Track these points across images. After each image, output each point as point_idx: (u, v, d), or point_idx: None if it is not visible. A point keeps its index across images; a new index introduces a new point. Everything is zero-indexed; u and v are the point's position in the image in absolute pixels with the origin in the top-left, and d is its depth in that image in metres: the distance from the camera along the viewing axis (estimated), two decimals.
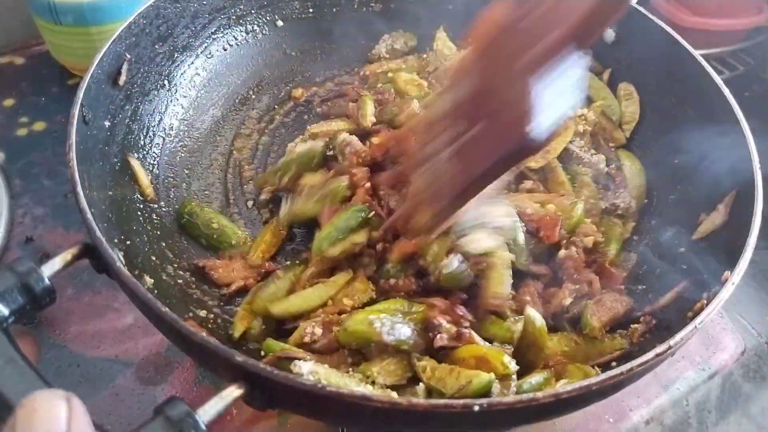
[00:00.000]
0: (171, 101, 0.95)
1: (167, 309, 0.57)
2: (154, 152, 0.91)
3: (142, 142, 0.89)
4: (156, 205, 0.86)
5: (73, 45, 1.13)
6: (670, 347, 0.57)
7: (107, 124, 0.81)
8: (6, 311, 0.57)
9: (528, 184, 0.90)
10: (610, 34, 0.98)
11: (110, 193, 0.78)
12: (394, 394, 0.62)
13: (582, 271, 0.79)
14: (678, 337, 0.58)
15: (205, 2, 0.97)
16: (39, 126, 1.13)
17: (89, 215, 0.64)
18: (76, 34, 1.10)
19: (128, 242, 0.76)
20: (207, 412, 0.50)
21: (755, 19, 1.54)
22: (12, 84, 1.21)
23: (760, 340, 1.31)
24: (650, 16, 0.92)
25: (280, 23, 1.08)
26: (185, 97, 0.97)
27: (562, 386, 0.54)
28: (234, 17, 1.03)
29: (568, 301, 0.78)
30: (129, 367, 0.82)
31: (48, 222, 0.98)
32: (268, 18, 1.07)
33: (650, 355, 0.56)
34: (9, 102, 1.17)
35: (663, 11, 1.52)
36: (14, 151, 1.09)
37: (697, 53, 0.87)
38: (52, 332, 0.84)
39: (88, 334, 0.85)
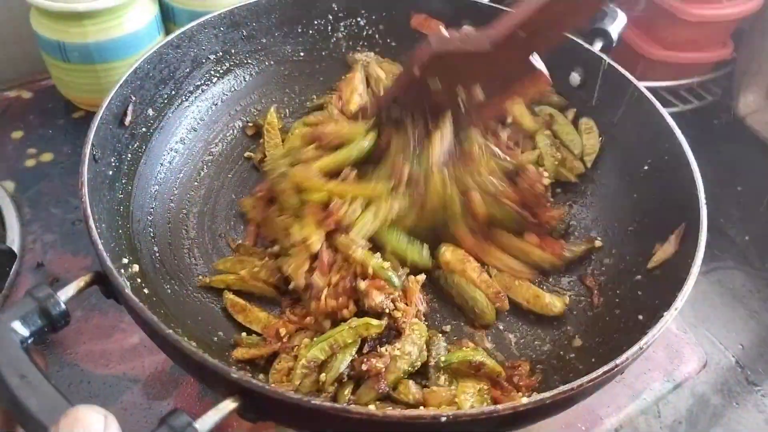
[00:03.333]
0: (171, 138, 1.02)
1: (171, 331, 0.64)
2: (158, 178, 0.99)
3: (147, 174, 0.96)
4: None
5: (79, 81, 1.20)
6: (616, 365, 0.64)
7: (114, 160, 0.89)
8: (26, 332, 0.64)
9: None
10: (575, 78, 1.06)
11: (117, 223, 0.86)
12: (372, 407, 0.69)
13: None
14: (624, 356, 0.65)
15: (204, 47, 1.04)
16: (46, 157, 1.20)
17: (100, 246, 0.71)
18: (83, 71, 1.18)
19: (135, 266, 0.83)
20: (206, 422, 0.57)
21: (721, 53, 1.63)
22: (20, 117, 1.27)
23: (726, 353, 1.38)
24: (613, 63, 1.00)
25: (273, 66, 1.15)
26: (188, 130, 1.05)
27: (519, 401, 0.61)
28: (231, 62, 1.10)
29: None
30: (136, 384, 0.88)
31: (57, 248, 1.05)
32: (263, 61, 1.14)
33: (598, 372, 0.64)
34: (17, 134, 1.24)
35: (635, 46, 1.61)
36: (23, 180, 1.15)
37: (652, 96, 0.95)
38: (63, 352, 0.91)
39: (96, 353, 0.91)
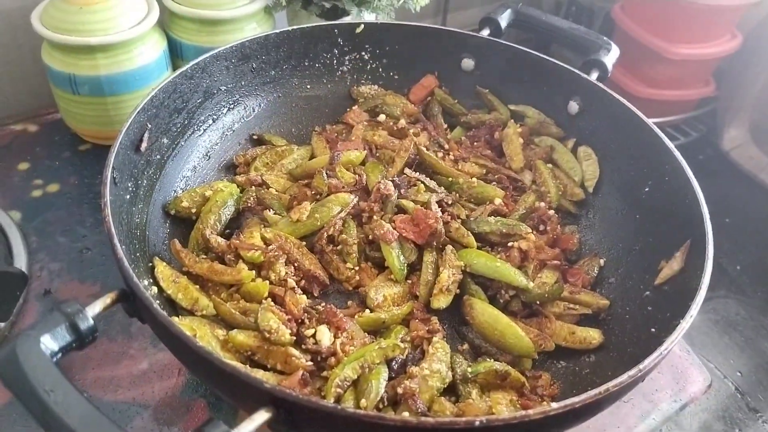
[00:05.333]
0: (184, 166, 1.04)
1: (201, 344, 0.64)
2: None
3: (161, 200, 0.98)
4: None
5: (87, 113, 1.22)
6: (640, 370, 0.66)
7: (131, 185, 0.90)
8: (56, 347, 0.64)
9: None
10: (573, 107, 1.10)
11: (134, 246, 0.86)
12: (406, 414, 0.69)
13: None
14: (647, 361, 0.67)
15: (215, 79, 1.07)
16: (53, 188, 1.21)
17: (126, 264, 0.71)
18: (92, 103, 1.19)
19: (153, 288, 0.84)
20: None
21: (704, 90, 1.71)
22: (26, 149, 1.28)
23: (726, 381, 1.40)
24: (608, 90, 1.05)
25: (281, 98, 1.18)
26: (200, 158, 1.07)
27: (550, 406, 0.62)
28: (241, 93, 1.13)
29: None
30: (146, 409, 0.88)
31: (64, 276, 1.04)
32: (271, 92, 1.17)
33: (623, 377, 0.65)
34: (24, 166, 1.24)
35: (622, 84, 1.68)
36: (30, 210, 1.15)
37: (650, 120, 0.99)
38: (72, 378, 0.90)
39: (105, 380, 0.91)
